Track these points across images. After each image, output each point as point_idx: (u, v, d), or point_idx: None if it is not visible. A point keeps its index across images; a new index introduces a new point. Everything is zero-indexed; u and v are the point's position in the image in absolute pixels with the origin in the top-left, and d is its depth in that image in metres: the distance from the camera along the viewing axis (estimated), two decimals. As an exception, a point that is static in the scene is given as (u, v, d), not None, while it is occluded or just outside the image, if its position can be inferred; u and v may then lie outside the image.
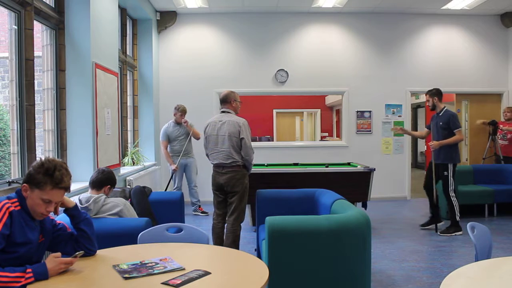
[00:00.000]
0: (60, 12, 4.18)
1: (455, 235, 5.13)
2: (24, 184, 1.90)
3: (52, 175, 1.89)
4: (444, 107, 5.25)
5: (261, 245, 3.42)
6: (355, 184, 5.28)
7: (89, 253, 2.08)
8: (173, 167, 6.22)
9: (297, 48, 7.65)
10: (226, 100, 4.13)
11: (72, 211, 2.11)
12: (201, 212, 6.52)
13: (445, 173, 5.17)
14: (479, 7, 7.29)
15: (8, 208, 1.82)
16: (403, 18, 7.70)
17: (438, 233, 5.21)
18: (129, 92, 6.64)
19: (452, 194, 5.16)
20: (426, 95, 5.33)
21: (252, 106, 11.53)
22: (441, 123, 5.19)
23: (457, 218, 5.17)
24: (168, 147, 6.33)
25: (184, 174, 6.47)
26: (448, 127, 5.13)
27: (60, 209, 2.08)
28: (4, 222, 1.78)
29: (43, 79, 4.13)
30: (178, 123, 6.30)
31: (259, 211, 4.05)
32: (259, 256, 3.84)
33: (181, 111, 6.26)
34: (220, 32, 7.60)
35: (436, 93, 5.24)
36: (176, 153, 6.29)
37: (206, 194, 6.77)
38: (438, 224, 5.37)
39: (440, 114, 5.22)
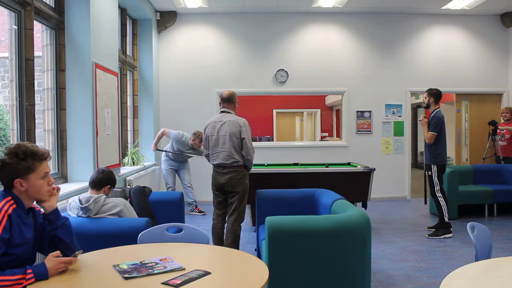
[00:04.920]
0: (60, 12, 4.18)
1: (444, 237, 5.05)
2: (16, 180, 1.87)
3: (33, 154, 1.90)
4: (436, 109, 5.23)
5: (261, 245, 3.42)
6: (355, 184, 5.27)
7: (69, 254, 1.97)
8: (153, 148, 6.40)
9: (297, 48, 7.66)
10: (230, 100, 4.12)
11: (49, 216, 2.01)
12: (198, 212, 6.54)
13: (429, 173, 5.19)
14: (479, 7, 7.29)
15: (6, 211, 1.81)
16: (403, 18, 7.71)
17: (427, 236, 5.15)
18: (129, 92, 6.64)
19: (438, 194, 5.14)
20: (426, 92, 5.34)
21: (252, 106, 11.54)
22: (429, 123, 5.24)
23: (446, 219, 5.10)
24: (168, 144, 6.43)
25: (176, 175, 6.57)
26: None
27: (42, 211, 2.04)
28: (3, 226, 1.76)
29: (43, 79, 4.14)
30: (191, 147, 6.31)
31: (259, 211, 4.05)
32: (259, 256, 3.84)
33: (201, 138, 6.16)
34: (220, 32, 7.60)
35: (434, 94, 5.22)
36: (171, 157, 6.42)
37: (204, 194, 6.79)
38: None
39: (431, 115, 5.26)
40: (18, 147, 1.91)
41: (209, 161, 4.17)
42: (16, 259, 1.81)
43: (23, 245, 1.85)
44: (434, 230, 5.22)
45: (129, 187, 4.73)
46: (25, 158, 1.89)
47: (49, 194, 1.99)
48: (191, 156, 6.39)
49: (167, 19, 7.44)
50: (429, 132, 5.11)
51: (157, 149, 6.47)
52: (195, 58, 7.56)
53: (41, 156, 1.94)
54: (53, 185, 2.01)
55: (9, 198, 1.87)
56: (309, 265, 2.74)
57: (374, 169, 5.37)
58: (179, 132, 6.31)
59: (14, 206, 1.86)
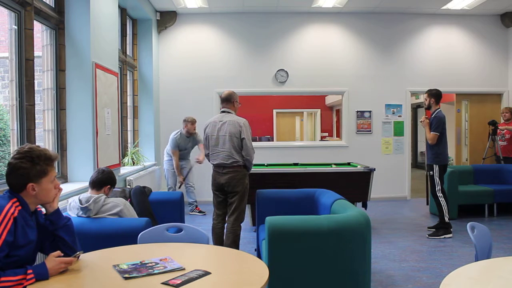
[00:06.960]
0: (60, 12, 4.18)
1: (444, 237, 5.05)
2: (29, 184, 1.87)
3: (47, 158, 1.91)
4: (437, 109, 5.24)
5: (261, 245, 3.42)
6: (355, 184, 5.28)
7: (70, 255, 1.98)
8: (181, 179, 6.33)
9: (297, 48, 7.65)
10: (228, 100, 4.12)
11: (51, 217, 2.01)
12: (198, 212, 6.54)
13: (431, 172, 5.20)
14: (479, 7, 7.29)
15: (12, 213, 1.80)
16: (403, 18, 7.71)
17: (427, 236, 5.14)
18: (129, 92, 6.64)
19: (439, 194, 5.15)
20: (425, 93, 5.35)
21: (252, 106, 11.54)
22: (430, 123, 5.24)
23: (446, 219, 5.10)
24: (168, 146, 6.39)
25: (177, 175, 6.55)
26: None
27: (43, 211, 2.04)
28: (8, 229, 1.76)
29: (43, 79, 4.14)
30: (189, 134, 6.30)
31: (259, 211, 4.06)
32: (259, 256, 3.84)
33: (191, 121, 6.22)
34: (220, 32, 7.60)
35: (434, 95, 5.23)
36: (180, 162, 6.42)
37: (204, 194, 6.78)
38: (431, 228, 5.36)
39: (433, 115, 5.24)
40: (31, 151, 1.89)
41: (209, 160, 4.17)
42: (17, 260, 1.81)
43: (26, 247, 1.84)
44: (434, 230, 5.22)
45: (129, 187, 4.73)
46: (39, 162, 1.88)
47: (54, 197, 2.00)
48: (195, 157, 6.40)
49: (167, 19, 7.44)
50: (431, 133, 5.11)
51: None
52: (195, 58, 7.55)
53: (54, 160, 1.96)
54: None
55: (14, 199, 1.86)
56: (309, 265, 2.74)
57: (374, 169, 5.37)
58: (172, 136, 6.31)
59: (20, 208, 1.85)
